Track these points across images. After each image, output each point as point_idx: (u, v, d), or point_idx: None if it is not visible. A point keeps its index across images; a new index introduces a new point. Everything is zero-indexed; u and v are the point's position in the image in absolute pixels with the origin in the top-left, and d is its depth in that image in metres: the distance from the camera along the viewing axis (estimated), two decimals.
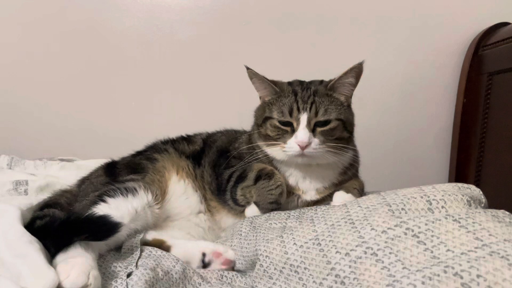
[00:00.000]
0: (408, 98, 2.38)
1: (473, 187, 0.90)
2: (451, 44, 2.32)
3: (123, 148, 1.51)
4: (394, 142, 2.41)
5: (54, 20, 2.35)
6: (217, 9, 2.34)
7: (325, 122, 1.21)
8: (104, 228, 0.96)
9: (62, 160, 2.07)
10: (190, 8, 2.35)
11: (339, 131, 1.23)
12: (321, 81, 1.31)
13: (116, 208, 1.11)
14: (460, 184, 0.88)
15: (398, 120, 2.39)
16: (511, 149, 1.92)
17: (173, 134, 1.57)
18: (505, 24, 2.18)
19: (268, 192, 1.21)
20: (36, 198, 1.41)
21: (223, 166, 1.36)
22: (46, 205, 1.23)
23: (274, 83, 1.30)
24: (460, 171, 2.27)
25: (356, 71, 1.23)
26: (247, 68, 1.30)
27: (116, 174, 1.34)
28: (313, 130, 1.21)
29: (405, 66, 2.36)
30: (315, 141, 1.19)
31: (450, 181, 2.33)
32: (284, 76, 1.37)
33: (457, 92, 2.31)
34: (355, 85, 1.26)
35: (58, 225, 0.97)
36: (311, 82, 1.32)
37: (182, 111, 2.42)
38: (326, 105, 1.22)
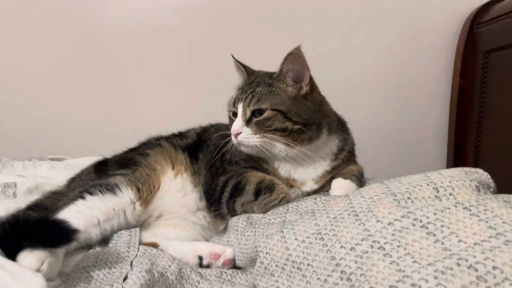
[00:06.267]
0: (403, 80, 2.34)
1: (480, 171, 0.86)
2: (445, 23, 2.28)
3: (115, 145, 1.47)
4: (390, 125, 2.38)
5: (40, 16, 2.29)
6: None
7: (260, 112, 1.19)
8: (56, 235, 0.91)
9: (52, 159, 2.02)
10: None
11: (278, 122, 1.18)
12: (273, 73, 1.26)
13: (89, 207, 1.10)
14: (467, 169, 0.84)
15: (393, 104, 2.36)
16: (509, 128, 1.89)
17: (166, 127, 1.53)
18: (500, 0, 2.13)
19: (272, 207, 1.14)
20: (25, 201, 1.38)
21: (220, 170, 1.31)
22: (29, 208, 1.19)
23: (246, 71, 1.33)
24: (458, 153, 2.25)
25: (292, 57, 1.17)
26: (233, 57, 1.34)
27: (106, 171, 1.30)
28: (250, 120, 1.20)
29: (399, 48, 2.32)
30: (247, 131, 1.20)
31: (448, 163, 2.31)
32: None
33: (452, 73, 2.27)
34: (299, 71, 1.20)
35: (9, 228, 0.91)
36: (266, 73, 1.29)
37: (174, 104, 2.37)
38: (262, 95, 1.20)
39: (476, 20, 2.16)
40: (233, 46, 2.19)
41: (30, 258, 0.84)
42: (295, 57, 1.17)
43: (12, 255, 0.86)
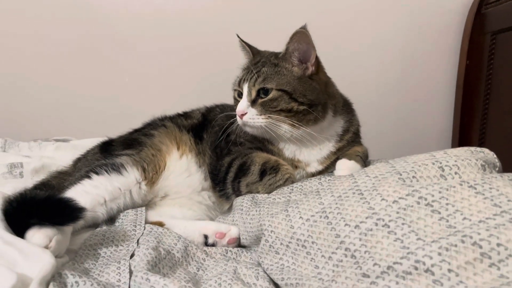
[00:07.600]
0: (410, 61, 2.32)
1: (486, 150, 0.86)
2: (452, 3, 2.24)
3: (120, 126, 1.46)
4: (396, 107, 2.37)
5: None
6: None
7: (266, 93, 1.18)
8: (64, 213, 0.92)
9: (57, 140, 2.02)
10: None
11: (283, 103, 1.16)
12: (278, 53, 1.25)
13: (96, 187, 1.11)
14: (472, 148, 0.84)
15: (399, 84, 2.34)
16: None
17: (171, 109, 1.52)
18: None
19: (277, 187, 1.15)
20: (31, 180, 1.38)
21: (224, 151, 1.31)
22: (35, 187, 1.20)
23: (252, 51, 1.31)
24: (463, 134, 2.23)
25: (298, 36, 1.15)
26: (238, 37, 1.31)
27: (111, 151, 1.31)
28: (255, 101, 1.19)
29: (405, 28, 2.29)
30: (252, 111, 1.19)
31: (453, 144, 2.30)
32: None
33: (459, 54, 2.24)
34: (305, 51, 1.18)
35: (16, 206, 0.93)
36: (271, 53, 1.27)
37: (179, 86, 2.36)
38: (267, 75, 1.19)
39: (484, 0, 2.12)
40: (238, 26, 2.18)
41: (38, 235, 0.85)
42: (301, 36, 1.15)
43: (20, 233, 0.87)
